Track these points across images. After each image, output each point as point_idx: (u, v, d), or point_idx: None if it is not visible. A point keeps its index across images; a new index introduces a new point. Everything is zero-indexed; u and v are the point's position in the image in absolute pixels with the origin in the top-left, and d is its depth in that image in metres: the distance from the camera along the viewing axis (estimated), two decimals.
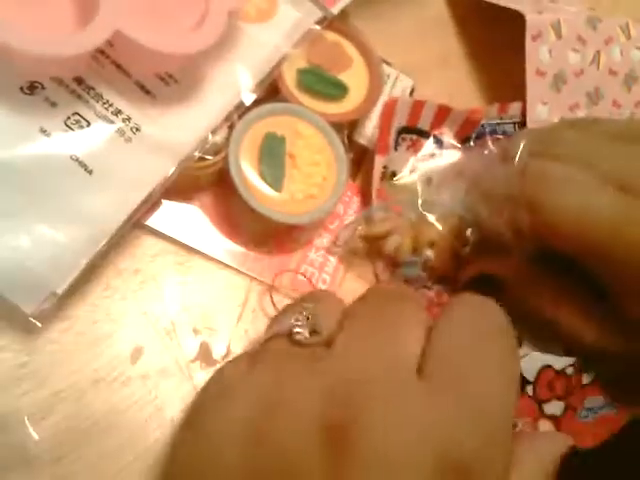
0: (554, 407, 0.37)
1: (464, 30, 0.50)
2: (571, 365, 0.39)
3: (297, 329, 0.27)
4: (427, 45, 0.47)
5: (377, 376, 0.23)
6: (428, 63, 0.46)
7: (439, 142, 0.41)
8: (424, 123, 0.41)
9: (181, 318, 0.33)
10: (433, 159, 0.40)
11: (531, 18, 0.43)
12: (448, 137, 0.41)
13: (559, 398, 0.38)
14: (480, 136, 0.42)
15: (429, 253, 0.37)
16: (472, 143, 0.42)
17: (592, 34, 0.46)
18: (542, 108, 0.44)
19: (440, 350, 0.24)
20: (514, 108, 0.43)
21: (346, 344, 0.25)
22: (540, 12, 0.45)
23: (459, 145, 0.41)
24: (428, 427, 0.21)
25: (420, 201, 0.37)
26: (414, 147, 0.40)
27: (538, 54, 0.44)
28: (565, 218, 0.29)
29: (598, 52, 0.47)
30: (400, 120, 0.39)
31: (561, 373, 0.38)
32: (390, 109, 0.39)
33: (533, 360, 0.38)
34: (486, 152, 0.41)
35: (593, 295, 0.33)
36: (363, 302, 0.28)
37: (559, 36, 0.45)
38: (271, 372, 0.25)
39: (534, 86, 0.43)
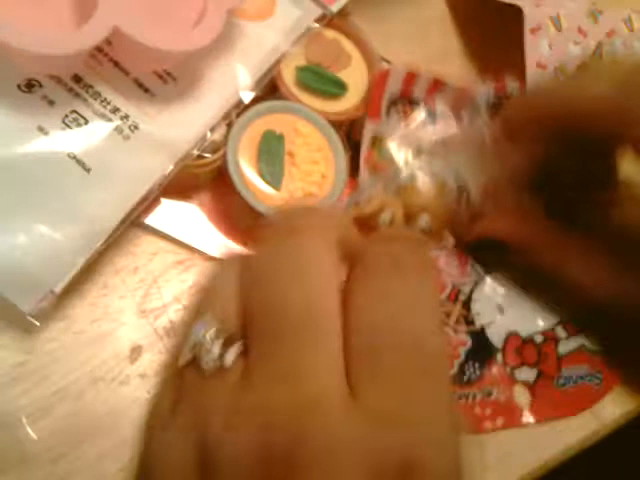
0: (526, 373, 0.37)
1: (464, 27, 0.49)
2: (541, 333, 0.38)
3: (203, 357, 0.22)
4: (426, 43, 0.47)
5: (310, 407, 0.19)
6: (427, 61, 0.46)
7: (431, 114, 0.41)
8: (419, 93, 0.40)
9: (180, 317, 0.33)
10: (424, 129, 0.40)
11: (529, 12, 0.43)
12: (441, 109, 0.41)
13: (530, 365, 0.38)
14: (474, 112, 0.42)
15: (425, 218, 0.37)
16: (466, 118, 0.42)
17: (593, 26, 0.46)
18: None
19: (364, 343, 0.20)
20: (511, 87, 0.43)
21: (260, 361, 0.20)
22: (538, 5, 0.44)
23: (453, 118, 0.41)
24: (369, 445, 0.18)
25: (405, 170, 0.38)
26: (405, 116, 0.40)
27: (538, 47, 0.43)
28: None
29: (600, 43, 0.46)
30: (394, 88, 0.39)
31: (528, 341, 0.38)
32: (383, 78, 0.38)
33: (498, 327, 0.38)
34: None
35: (604, 247, 0.33)
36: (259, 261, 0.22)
37: (559, 29, 0.44)
38: (192, 417, 0.21)
39: (534, 79, 0.43)
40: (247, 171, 0.34)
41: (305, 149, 0.36)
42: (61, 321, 0.31)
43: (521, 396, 0.37)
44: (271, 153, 0.35)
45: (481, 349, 0.37)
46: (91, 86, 0.31)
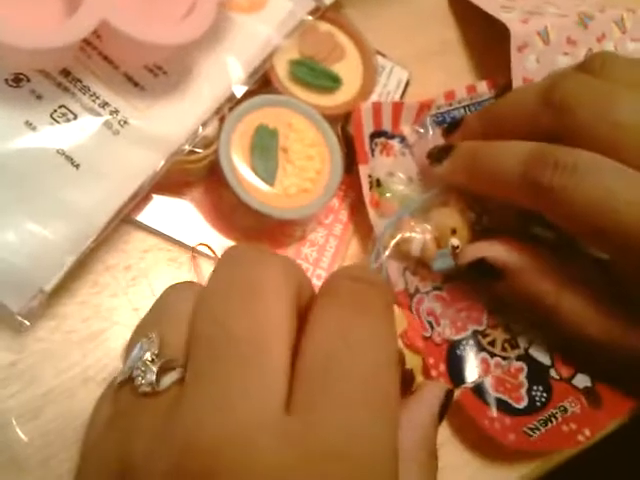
0: (582, 380, 0.37)
1: (461, 20, 0.49)
2: None
3: (138, 377, 0.21)
4: (423, 36, 0.46)
5: (234, 436, 0.18)
6: (424, 54, 0.46)
7: (403, 140, 0.41)
8: (386, 124, 0.40)
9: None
10: (404, 157, 0.40)
11: (515, 29, 0.42)
12: (407, 131, 0.41)
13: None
14: (435, 127, 0.42)
15: (454, 241, 0.36)
16: (430, 133, 0.41)
17: (583, 33, 0.46)
18: None
19: (309, 367, 0.20)
20: (460, 92, 0.43)
21: (194, 384, 0.20)
22: (526, 20, 0.44)
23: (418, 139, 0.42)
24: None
25: (414, 203, 0.37)
26: (386, 150, 0.39)
27: (524, 62, 0.43)
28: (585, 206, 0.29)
29: (590, 50, 0.46)
30: (368, 126, 0.39)
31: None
32: (358, 117, 0.38)
33: (540, 344, 0.38)
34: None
35: (601, 284, 0.32)
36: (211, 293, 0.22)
37: (547, 43, 0.44)
38: (120, 435, 0.21)
39: None
40: (240, 167, 0.33)
41: (299, 144, 0.35)
42: (51, 320, 0.30)
43: (586, 403, 0.37)
44: (264, 148, 0.34)
45: (536, 371, 0.37)
46: (80, 80, 0.30)
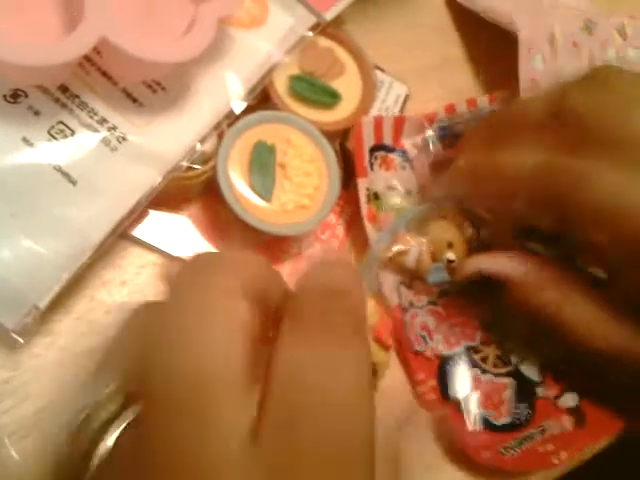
0: (569, 399, 0.37)
1: (460, 36, 0.49)
2: None
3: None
4: (422, 51, 0.46)
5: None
6: (423, 70, 0.46)
7: (404, 154, 0.41)
8: (387, 138, 0.40)
9: None
10: (404, 171, 0.40)
11: (524, 36, 0.43)
12: (408, 145, 0.41)
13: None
14: (436, 141, 0.42)
15: (450, 255, 0.37)
16: (431, 147, 0.42)
17: (587, 39, 0.46)
18: None
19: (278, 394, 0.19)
20: (461, 106, 0.43)
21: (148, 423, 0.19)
22: (533, 27, 0.44)
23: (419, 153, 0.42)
24: None
25: (410, 215, 0.38)
26: (385, 164, 0.40)
27: (532, 62, 0.43)
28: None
29: (593, 56, 0.46)
30: (369, 140, 0.39)
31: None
32: (359, 131, 0.38)
33: (532, 360, 0.38)
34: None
35: (607, 295, 0.32)
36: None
37: (554, 47, 0.44)
38: None
39: (527, 94, 0.43)
40: (238, 183, 0.33)
41: (297, 160, 0.35)
42: (46, 337, 0.30)
43: (568, 424, 0.37)
44: (262, 165, 0.34)
45: (523, 388, 0.37)
46: (78, 96, 0.30)
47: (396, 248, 0.37)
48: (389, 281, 0.37)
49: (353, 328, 0.21)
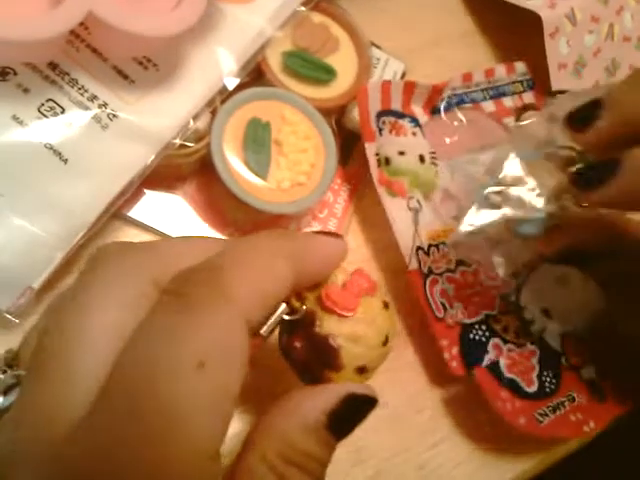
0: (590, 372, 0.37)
1: (456, 12, 0.48)
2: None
3: None
4: (418, 27, 0.46)
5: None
6: (419, 46, 0.45)
7: (414, 120, 0.40)
8: (396, 103, 0.40)
9: None
10: (415, 137, 0.40)
11: (546, 16, 0.43)
12: (419, 113, 0.41)
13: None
14: (449, 108, 0.42)
15: (566, 202, 0.31)
16: (443, 115, 0.42)
17: (604, 9, 0.47)
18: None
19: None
20: (478, 75, 0.42)
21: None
22: (553, 5, 0.44)
23: (430, 118, 0.42)
24: None
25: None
26: (395, 129, 0.39)
27: (557, 48, 0.44)
28: None
29: (611, 25, 0.47)
30: (375, 105, 0.38)
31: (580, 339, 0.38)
32: (364, 95, 0.38)
33: (551, 331, 0.37)
34: (456, 123, 0.42)
35: None
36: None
37: (574, 24, 0.45)
38: None
39: (558, 80, 0.44)
40: (232, 160, 0.33)
41: (293, 137, 0.35)
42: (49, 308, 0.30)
43: (589, 396, 0.37)
44: (257, 142, 0.34)
45: (548, 357, 0.37)
46: (68, 73, 0.29)
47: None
48: (406, 243, 0.37)
49: (204, 296, 0.19)
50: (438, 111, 0.41)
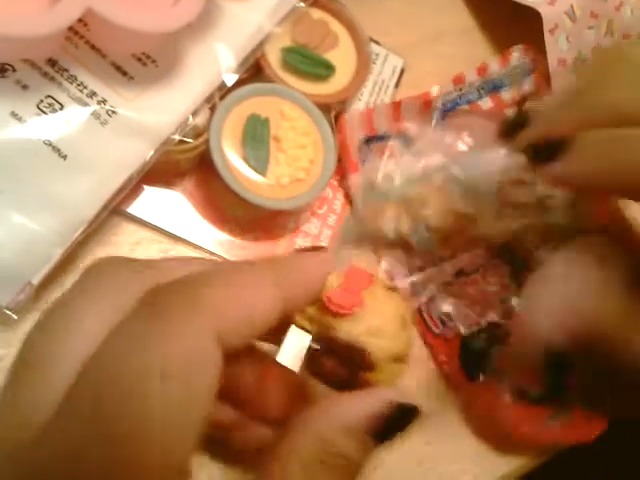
0: None
1: (455, 7, 0.48)
2: None
3: None
4: (417, 23, 0.46)
5: None
6: (419, 42, 0.45)
7: (403, 137, 0.40)
8: (380, 127, 0.39)
9: None
10: (402, 157, 0.39)
11: (546, 12, 0.43)
12: (412, 128, 0.40)
13: None
14: (444, 115, 0.41)
15: (427, 212, 0.35)
16: (436, 124, 0.41)
17: (603, 5, 0.46)
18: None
19: None
20: (470, 75, 0.42)
21: None
22: (552, 2, 0.44)
23: (424, 131, 0.41)
24: None
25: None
26: (381, 152, 0.39)
27: (557, 44, 0.44)
28: None
29: (611, 21, 0.47)
30: (358, 134, 0.38)
31: None
32: (342, 127, 0.38)
33: None
34: (451, 131, 0.40)
35: None
36: None
37: (574, 20, 0.44)
38: None
39: (557, 76, 0.43)
40: (231, 157, 0.33)
41: (292, 133, 0.35)
42: (40, 313, 0.30)
43: None
44: (256, 138, 0.34)
45: (551, 360, 0.36)
46: (66, 70, 0.29)
47: (371, 216, 0.35)
48: (392, 264, 0.37)
49: (174, 306, 0.19)
50: (433, 121, 0.41)
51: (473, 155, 0.36)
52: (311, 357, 0.23)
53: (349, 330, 0.23)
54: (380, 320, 0.23)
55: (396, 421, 0.21)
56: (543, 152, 0.27)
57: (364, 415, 0.21)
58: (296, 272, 0.22)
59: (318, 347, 0.23)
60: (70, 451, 0.17)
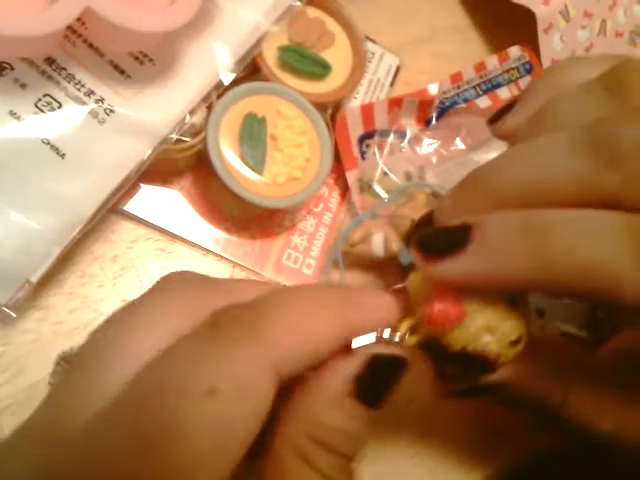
0: None
1: (451, 6, 0.49)
2: None
3: None
4: (413, 22, 0.46)
5: None
6: (414, 40, 0.45)
7: (401, 135, 0.40)
8: (380, 123, 0.40)
9: None
10: (401, 153, 0.40)
11: (540, 12, 0.43)
12: (411, 126, 0.41)
13: None
14: (443, 113, 0.42)
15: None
16: (434, 121, 0.41)
17: (597, 5, 0.47)
18: None
19: None
20: (468, 72, 0.42)
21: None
22: (547, 1, 0.44)
23: (422, 128, 0.41)
24: None
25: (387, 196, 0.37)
26: (381, 149, 0.39)
27: (551, 44, 0.44)
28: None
29: (604, 21, 0.47)
30: (356, 130, 0.39)
31: None
32: (342, 123, 0.38)
33: None
34: (449, 129, 0.41)
35: (615, 373, 0.28)
36: None
37: (568, 20, 0.45)
38: None
39: None
40: (228, 155, 0.33)
41: (288, 132, 0.35)
42: (38, 311, 0.30)
43: None
44: (253, 136, 0.34)
45: None
46: (64, 68, 0.29)
47: (358, 235, 0.36)
48: None
49: (236, 332, 0.18)
50: (432, 120, 0.41)
51: (455, 168, 0.37)
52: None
53: (459, 339, 0.20)
54: (484, 315, 0.20)
55: (380, 376, 0.20)
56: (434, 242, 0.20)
57: (343, 379, 0.19)
58: (362, 303, 0.21)
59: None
60: (104, 453, 0.17)
